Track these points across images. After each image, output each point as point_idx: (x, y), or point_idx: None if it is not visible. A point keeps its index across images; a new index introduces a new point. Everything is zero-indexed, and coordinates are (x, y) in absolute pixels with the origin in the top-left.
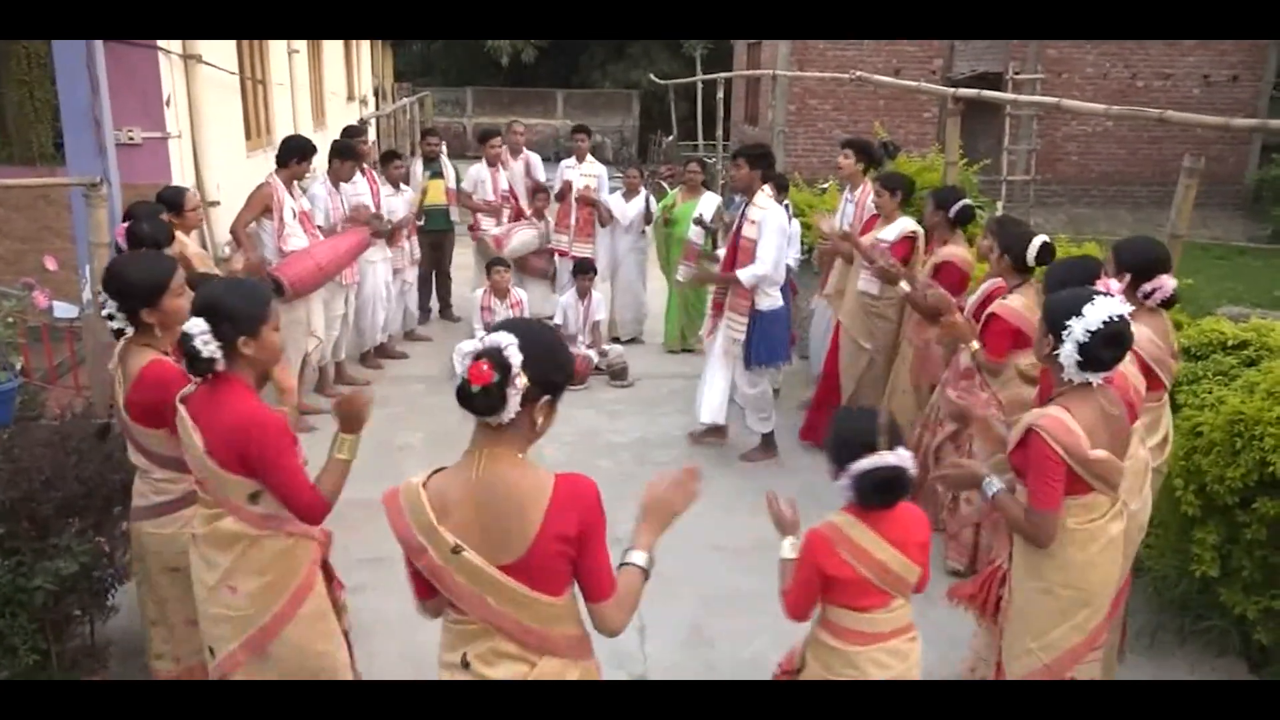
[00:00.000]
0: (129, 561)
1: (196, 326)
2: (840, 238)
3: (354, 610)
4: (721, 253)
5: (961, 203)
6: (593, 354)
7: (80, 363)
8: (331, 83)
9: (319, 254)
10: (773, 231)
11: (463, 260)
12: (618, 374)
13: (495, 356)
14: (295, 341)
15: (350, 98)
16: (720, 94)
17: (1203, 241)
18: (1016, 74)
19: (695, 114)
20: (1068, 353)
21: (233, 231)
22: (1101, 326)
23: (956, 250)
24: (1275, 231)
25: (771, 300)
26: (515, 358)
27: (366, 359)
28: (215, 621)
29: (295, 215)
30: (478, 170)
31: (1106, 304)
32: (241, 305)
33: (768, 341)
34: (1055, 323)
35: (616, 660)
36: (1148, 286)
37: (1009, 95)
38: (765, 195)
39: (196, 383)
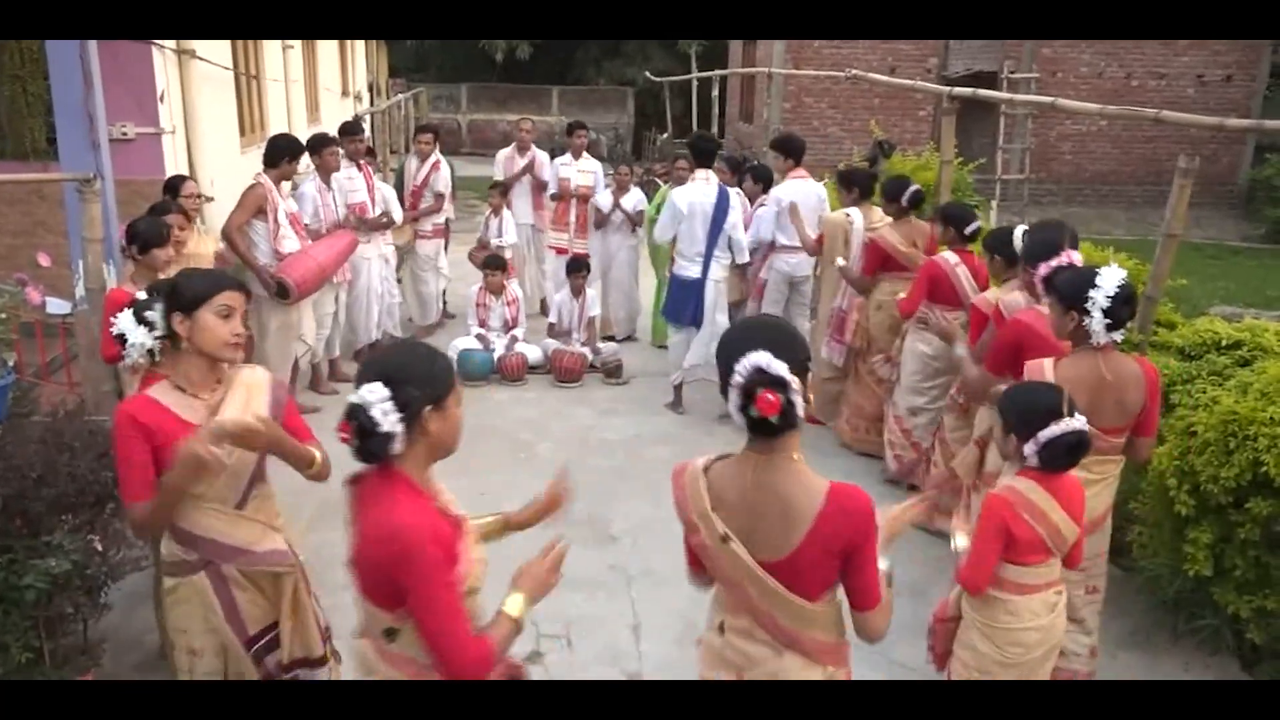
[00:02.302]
0: (122, 559)
1: (375, 394)
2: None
3: (351, 609)
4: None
5: (911, 189)
6: (587, 351)
7: (73, 359)
8: (326, 78)
9: (319, 254)
10: (667, 204)
11: (456, 257)
12: (612, 372)
13: (771, 380)
14: (285, 347)
15: (345, 93)
16: (715, 91)
17: (1196, 241)
18: (1011, 73)
19: (690, 111)
20: (1098, 320)
21: (225, 232)
22: (1117, 290)
23: (885, 232)
24: (1269, 231)
25: (679, 268)
26: (782, 368)
27: (360, 356)
28: None
29: (287, 216)
30: (409, 164)
31: (1111, 272)
32: (427, 368)
33: (672, 301)
34: (1075, 299)
35: (612, 658)
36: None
37: (1004, 94)
38: (692, 179)
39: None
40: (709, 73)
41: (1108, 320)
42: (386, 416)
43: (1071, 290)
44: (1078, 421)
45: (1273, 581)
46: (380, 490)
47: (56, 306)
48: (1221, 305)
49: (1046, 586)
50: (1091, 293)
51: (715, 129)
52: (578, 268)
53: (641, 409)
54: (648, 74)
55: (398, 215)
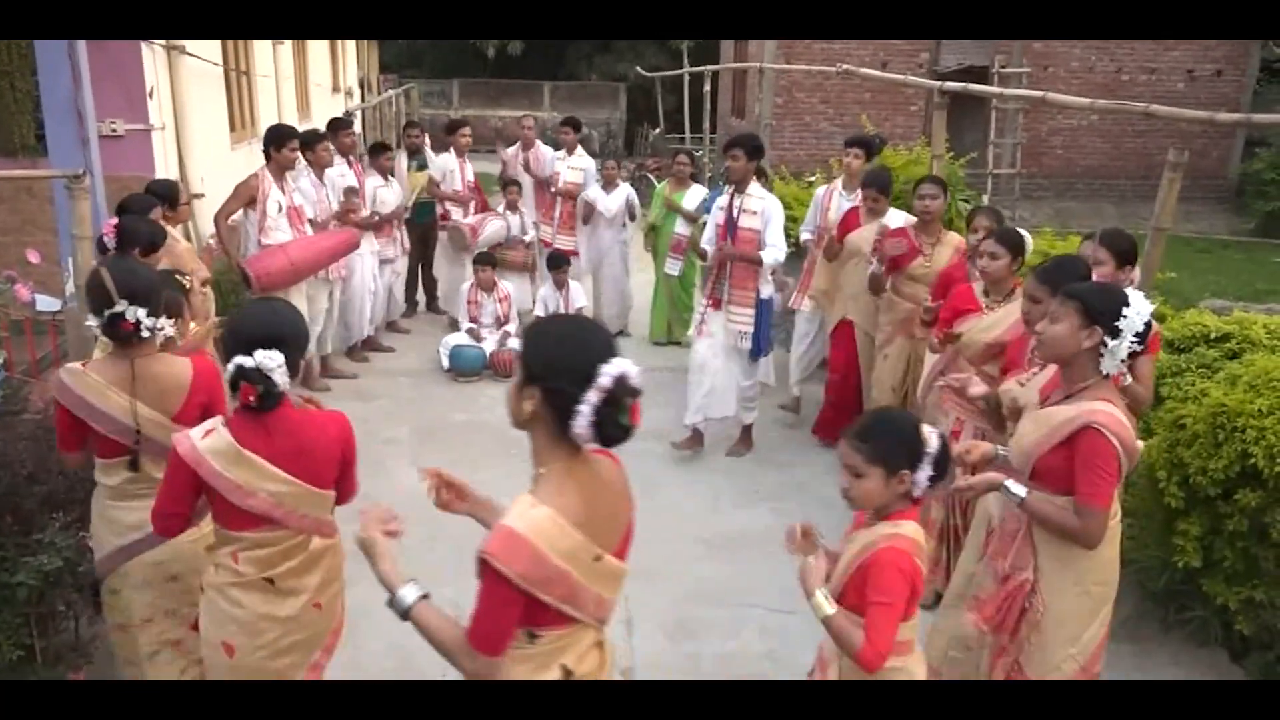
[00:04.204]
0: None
1: (273, 359)
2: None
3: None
4: (709, 244)
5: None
6: None
7: (63, 356)
8: (316, 74)
9: (293, 250)
10: (780, 217)
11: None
12: None
13: (638, 391)
14: None
15: (335, 89)
16: (707, 87)
17: (1186, 235)
18: (1002, 68)
19: (682, 107)
20: (1125, 346)
21: (215, 222)
22: (1149, 315)
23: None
24: (1258, 225)
25: (771, 288)
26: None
27: (353, 352)
28: (291, 649)
29: (282, 209)
30: (446, 160)
31: (1137, 294)
32: (301, 327)
33: (768, 330)
34: (1109, 315)
35: None
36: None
37: (995, 89)
38: (758, 185)
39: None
40: (701, 68)
41: (1135, 348)
42: (284, 376)
43: (1105, 305)
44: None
45: (1261, 573)
46: (287, 416)
47: (46, 304)
48: (1212, 299)
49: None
50: (1126, 312)
51: (707, 125)
52: (558, 264)
53: None
54: (639, 69)
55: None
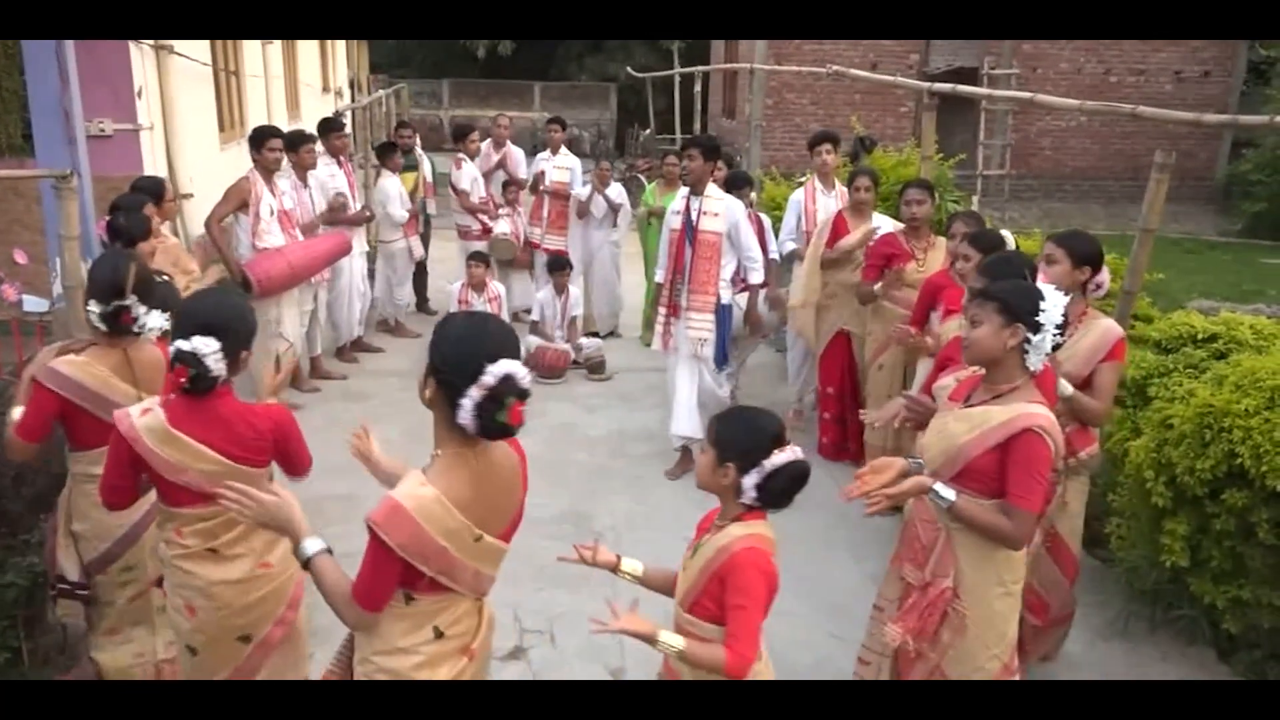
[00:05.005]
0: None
1: (208, 345)
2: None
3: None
4: (665, 247)
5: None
6: (570, 348)
7: None
8: (306, 74)
9: (292, 254)
10: (748, 224)
11: (438, 254)
12: (596, 368)
13: (524, 392)
14: (263, 343)
15: (325, 89)
16: (698, 87)
17: (1173, 236)
18: (992, 69)
19: (673, 107)
20: (1049, 338)
21: (207, 225)
22: (1064, 309)
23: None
24: (1245, 226)
25: (729, 294)
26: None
27: (342, 353)
28: (249, 608)
29: (274, 213)
30: (469, 168)
31: (1048, 286)
32: (245, 320)
33: (727, 339)
34: (1027, 312)
35: (595, 654)
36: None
37: (984, 90)
38: (714, 186)
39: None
40: (691, 69)
41: (1058, 339)
42: (218, 364)
43: (1023, 302)
44: (799, 451)
45: (1248, 572)
46: (226, 406)
47: (33, 304)
48: (1199, 299)
49: None
50: (1043, 305)
51: (698, 125)
52: (559, 266)
53: (624, 405)
54: (630, 70)
55: (399, 214)
